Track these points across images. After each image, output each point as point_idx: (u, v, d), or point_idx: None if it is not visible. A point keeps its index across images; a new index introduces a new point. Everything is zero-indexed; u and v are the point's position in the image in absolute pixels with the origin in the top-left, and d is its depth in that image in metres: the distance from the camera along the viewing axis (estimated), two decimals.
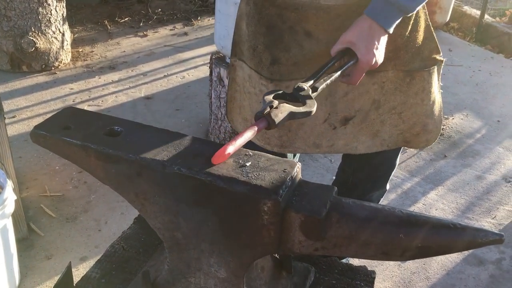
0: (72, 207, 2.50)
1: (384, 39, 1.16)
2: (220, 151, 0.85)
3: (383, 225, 0.82)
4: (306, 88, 1.00)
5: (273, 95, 0.96)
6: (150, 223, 0.94)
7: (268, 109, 0.90)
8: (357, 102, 1.36)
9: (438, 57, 1.38)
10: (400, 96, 1.38)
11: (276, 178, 0.84)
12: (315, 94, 1.01)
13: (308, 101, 0.97)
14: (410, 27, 1.29)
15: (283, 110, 0.91)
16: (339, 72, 1.08)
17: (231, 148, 0.85)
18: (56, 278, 2.09)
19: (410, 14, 1.20)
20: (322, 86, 1.03)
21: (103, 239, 2.32)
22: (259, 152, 0.92)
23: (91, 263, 2.17)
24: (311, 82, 1.03)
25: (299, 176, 0.89)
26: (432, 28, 1.36)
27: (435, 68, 1.39)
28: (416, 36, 1.32)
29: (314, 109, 0.96)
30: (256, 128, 0.88)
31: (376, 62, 1.15)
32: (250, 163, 0.88)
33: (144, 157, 0.87)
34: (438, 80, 1.45)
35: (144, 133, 0.95)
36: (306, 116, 0.95)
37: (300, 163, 0.90)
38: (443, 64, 1.42)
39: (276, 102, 0.92)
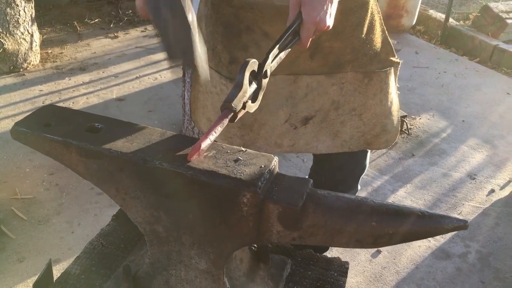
0: (44, 210, 2.48)
1: (335, 1, 1.07)
2: (194, 149, 0.87)
3: (356, 214, 0.86)
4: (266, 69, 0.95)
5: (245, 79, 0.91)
6: (131, 217, 0.96)
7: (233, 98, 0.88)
8: (317, 102, 1.39)
9: (394, 59, 1.43)
10: (360, 97, 1.41)
11: (254, 171, 0.87)
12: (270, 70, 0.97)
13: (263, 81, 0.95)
14: (365, 29, 1.33)
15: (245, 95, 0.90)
16: (289, 48, 1.03)
17: (204, 145, 0.87)
18: (29, 281, 2.08)
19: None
20: (274, 62, 0.99)
21: (76, 241, 2.31)
22: (238, 147, 0.95)
23: (64, 265, 2.15)
24: (270, 59, 0.97)
25: (277, 169, 0.93)
26: (386, 32, 1.40)
27: (392, 69, 1.43)
28: (373, 39, 1.36)
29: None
30: (225, 120, 0.88)
31: (321, 20, 1.03)
32: (230, 157, 0.91)
33: (125, 152, 0.89)
34: (395, 81, 1.49)
35: (125, 130, 0.96)
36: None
37: (277, 157, 0.93)
38: (399, 65, 1.46)
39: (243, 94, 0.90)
